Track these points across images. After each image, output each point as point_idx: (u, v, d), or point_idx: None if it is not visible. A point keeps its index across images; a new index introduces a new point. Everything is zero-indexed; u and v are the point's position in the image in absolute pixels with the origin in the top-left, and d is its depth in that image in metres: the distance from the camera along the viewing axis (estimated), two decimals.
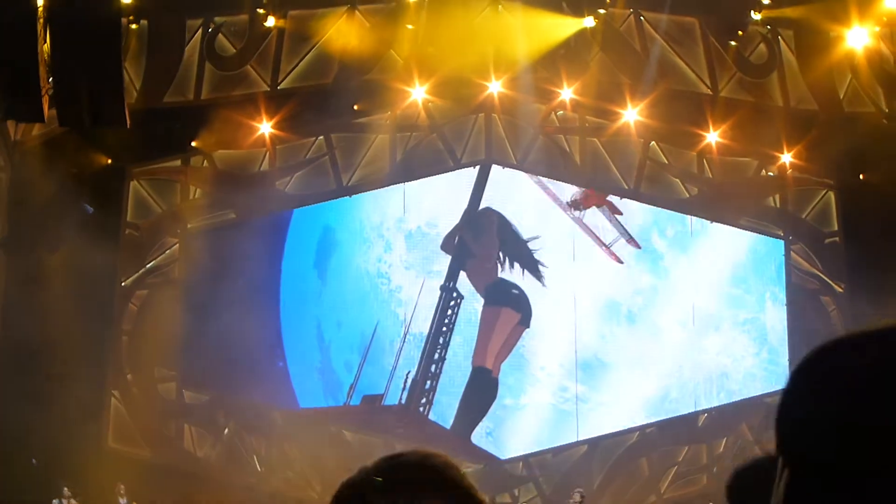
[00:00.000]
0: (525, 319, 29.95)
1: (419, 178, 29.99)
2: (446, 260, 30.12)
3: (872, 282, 27.96)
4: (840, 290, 30.29)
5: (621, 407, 29.84)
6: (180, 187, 29.37)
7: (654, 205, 30.52)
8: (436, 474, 2.20)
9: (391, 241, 30.34)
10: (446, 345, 29.73)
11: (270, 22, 27.76)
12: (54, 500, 25.25)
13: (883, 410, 1.27)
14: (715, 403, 30.21)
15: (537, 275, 29.90)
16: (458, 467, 2.23)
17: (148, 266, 28.84)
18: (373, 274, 30.29)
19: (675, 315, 30.33)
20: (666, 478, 29.74)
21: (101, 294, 27.40)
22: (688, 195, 30.74)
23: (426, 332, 29.84)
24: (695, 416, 30.05)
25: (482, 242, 30.00)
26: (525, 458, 29.61)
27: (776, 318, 30.70)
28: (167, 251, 29.03)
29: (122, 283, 28.49)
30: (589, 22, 28.41)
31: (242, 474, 28.02)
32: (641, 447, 29.80)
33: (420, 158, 29.86)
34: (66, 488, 25.30)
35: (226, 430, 28.72)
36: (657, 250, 30.63)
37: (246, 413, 28.72)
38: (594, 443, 29.82)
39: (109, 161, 27.78)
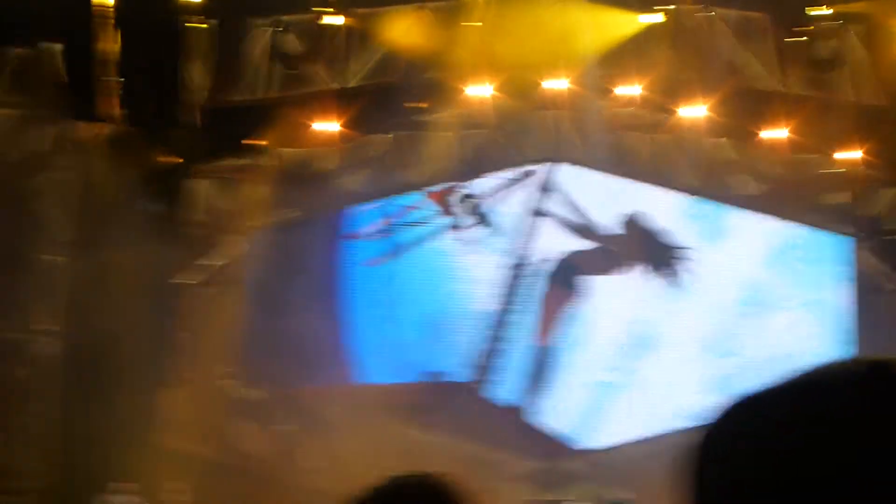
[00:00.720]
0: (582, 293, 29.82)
1: (484, 176, 29.87)
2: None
3: None
4: None
5: (681, 387, 29.63)
6: (245, 185, 29.38)
7: (723, 202, 30.30)
8: (435, 495, 2.22)
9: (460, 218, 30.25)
10: (514, 323, 29.61)
11: (338, 20, 27.77)
12: (114, 496, 25.34)
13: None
14: None
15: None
16: (457, 487, 2.25)
17: (211, 264, 28.86)
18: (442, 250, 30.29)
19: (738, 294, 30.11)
20: None
21: (164, 292, 27.54)
22: (757, 192, 30.55)
23: (496, 309, 29.76)
24: None
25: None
26: (584, 454, 29.47)
27: (842, 312, 30.40)
28: (231, 249, 29.04)
29: (185, 281, 28.49)
30: (658, 17, 28.27)
31: (302, 474, 28.04)
32: None
33: (485, 156, 29.76)
34: (125, 485, 25.41)
35: (286, 429, 28.75)
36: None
37: (307, 411, 28.74)
38: (656, 440, 29.69)
39: (175, 159, 27.79)
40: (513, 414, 29.25)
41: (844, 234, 30.71)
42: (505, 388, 29.42)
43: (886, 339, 29.45)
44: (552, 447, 29.21)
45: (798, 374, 1.31)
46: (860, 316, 30.21)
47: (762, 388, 1.32)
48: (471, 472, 28.38)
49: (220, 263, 28.96)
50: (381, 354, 29.66)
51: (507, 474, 28.99)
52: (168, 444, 27.82)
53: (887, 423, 1.19)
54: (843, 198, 30.93)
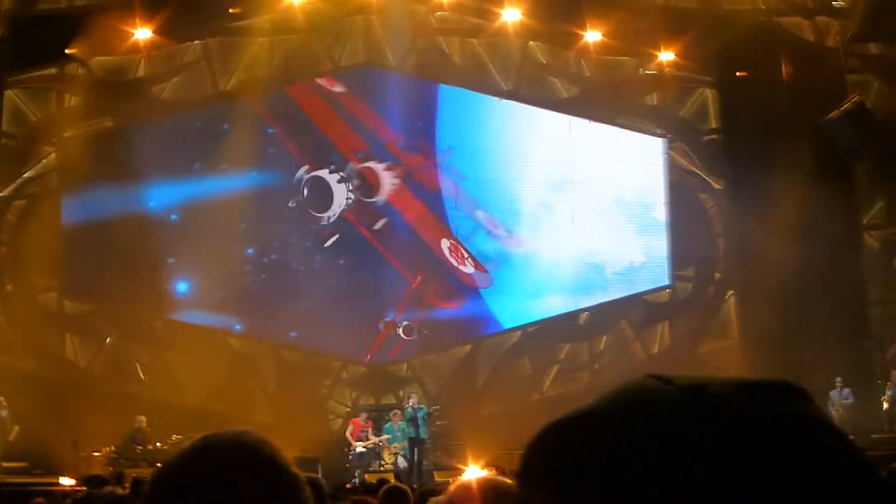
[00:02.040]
0: None
1: (297, 82, 29.76)
2: None
3: (750, 179, 28.37)
4: (719, 187, 30.63)
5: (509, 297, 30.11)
6: (56, 95, 28.94)
7: (534, 105, 30.54)
8: (249, 453, 2.25)
9: None
10: None
11: None
12: None
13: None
14: (595, 301, 30.49)
15: None
16: (271, 443, 2.29)
17: (25, 176, 28.44)
18: None
19: (558, 213, 30.49)
20: (548, 376, 30.11)
21: None
22: (567, 95, 30.83)
23: None
24: (576, 314, 30.36)
25: None
26: (409, 360, 29.77)
27: (655, 216, 30.95)
28: (44, 160, 28.63)
29: (0, 194, 28.10)
30: None
31: (125, 383, 27.90)
32: (523, 346, 30.10)
33: (299, 62, 29.63)
34: None
35: (108, 340, 28.56)
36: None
37: (128, 322, 28.59)
38: (477, 343, 30.09)
39: None
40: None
41: (654, 134, 31.17)
42: None
43: (693, 232, 30.17)
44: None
45: (611, 396, 1.25)
46: (670, 212, 30.78)
47: (573, 414, 1.25)
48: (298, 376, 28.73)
49: (33, 174, 28.57)
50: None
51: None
52: None
53: (702, 451, 1.16)
54: (653, 99, 31.37)
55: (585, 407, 1.27)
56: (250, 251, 29.42)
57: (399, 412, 26.79)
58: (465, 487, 3.44)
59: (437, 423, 26.82)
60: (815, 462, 1.18)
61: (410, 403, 26.35)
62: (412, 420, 25.90)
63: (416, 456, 25.77)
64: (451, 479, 17.27)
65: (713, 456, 1.16)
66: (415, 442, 25.84)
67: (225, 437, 2.26)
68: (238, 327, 29.26)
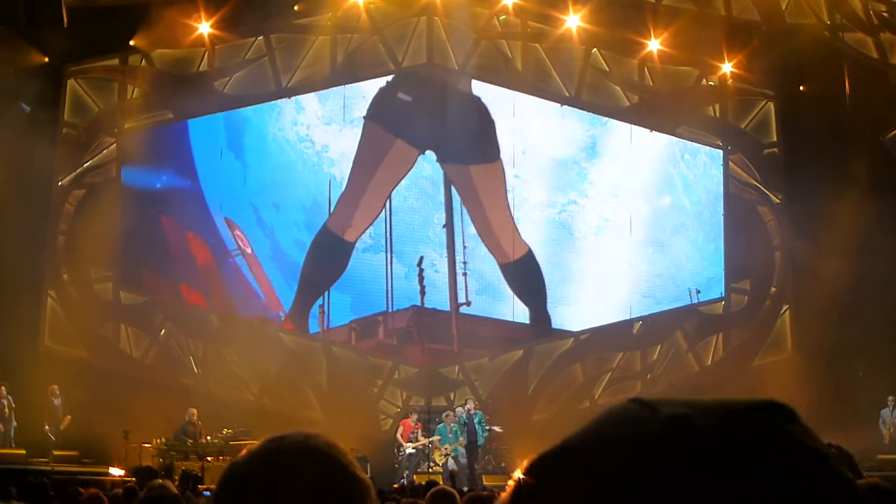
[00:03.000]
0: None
1: (360, 81, 29.77)
2: (365, 105, 29.88)
3: (809, 192, 28.27)
4: (777, 200, 30.54)
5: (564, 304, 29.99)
6: (118, 87, 29.07)
7: (595, 112, 30.53)
8: (319, 457, 2.22)
9: (300, 100, 29.92)
10: None
11: None
12: None
13: None
14: (649, 311, 30.41)
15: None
16: (340, 447, 2.25)
17: (85, 165, 28.59)
18: (292, 140, 29.88)
19: (614, 224, 30.42)
20: (600, 383, 30.03)
21: (38, 194, 27.14)
22: (628, 103, 30.77)
23: None
24: (630, 323, 30.28)
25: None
26: (461, 363, 29.75)
27: (713, 228, 30.90)
28: (104, 151, 28.77)
29: (59, 183, 28.22)
30: None
31: (178, 376, 28.05)
32: (576, 353, 30.03)
33: (361, 61, 29.66)
34: (1, 387, 25.23)
35: (162, 332, 28.68)
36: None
37: (183, 315, 28.71)
38: (529, 348, 30.02)
39: (46, 60, 27.36)
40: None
41: (714, 146, 31.12)
42: None
43: (750, 245, 30.07)
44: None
45: (596, 426, 1.25)
46: (728, 224, 30.73)
47: (559, 446, 1.25)
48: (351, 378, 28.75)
49: (93, 164, 28.71)
50: (269, 265, 29.49)
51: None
52: (45, 347, 27.74)
53: (682, 485, 1.16)
54: (714, 111, 31.30)
55: (571, 437, 1.27)
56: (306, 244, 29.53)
57: (452, 413, 26.80)
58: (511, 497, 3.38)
59: (495, 429, 26.70)
60: (797, 489, 1.19)
61: (467, 408, 26.33)
62: (468, 425, 25.89)
63: (471, 461, 25.76)
64: (502, 485, 17.30)
65: (694, 490, 1.17)
66: (472, 447, 25.81)
67: (294, 439, 2.22)
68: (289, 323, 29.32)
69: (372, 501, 2.20)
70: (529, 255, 29.73)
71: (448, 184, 29.65)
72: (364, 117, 29.45)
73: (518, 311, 29.87)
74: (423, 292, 29.29)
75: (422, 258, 29.39)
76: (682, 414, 1.22)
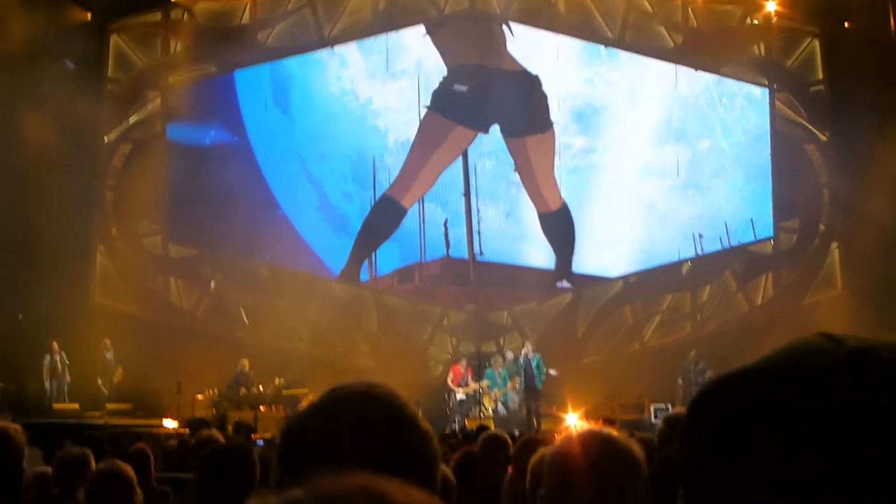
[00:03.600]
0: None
1: (401, 28, 29.69)
2: (410, 56, 29.88)
3: (856, 130, 28.01)
4: (824, 138, 30.32)
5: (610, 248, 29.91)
6: (161, 41, 29.15)
7: (639, 53, 30.32)
8: (381, 407, 2.21)
9: (344, 54, 29.90)
10: None
11: None
12: (46, 356, 25.44)
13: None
14: (698, 252, 30.28)
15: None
16: (402, 397, 2.24)
17: (131, 121, 28.71)
18: (337, 94, 29.90)
19: (653, 167, 30.27)
20: (650, 326, 29.99)
21: (85, 150, 27.21)
22: (672, 44, 30.57)
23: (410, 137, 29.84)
24: (678, 264, 30.18)
25: None
26: (510, 308, 29.78)
27: (760, 167, 30.71)
28: (149, 105, 28.87)
29: (106, 139, 28.37)
30: None
31: (229, 327, 28.21)
32: (625, 295, 29.99)
33: (402, 8, 29.56)
34: (54, 343, 25.45)
35: (212, 284, 28.82)
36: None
37: (232, 267, 28.80)
38: (578, 292, 29.99)
39: (89, 16, 27.45)
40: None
41: (759, 85, 30.89)
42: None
43: (798, 183, 29.88)
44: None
45: (780, 355, 1.23)
46: (775, 163, 30.54)
47: (740, 370, 1.23)
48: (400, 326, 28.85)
49: (139, 119, 28.81)
50: (317, 217, 29.61)
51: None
52: (96, 302, 27.95)
53: (869, 415, 1.13)
54: (759, 49, 31.05)
55: (753, 364, 1.24)
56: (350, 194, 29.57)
57: (500, 358, 26.85)
58: (569, 443, 3.39)
59: (551, 372, 26.62)
60: None
61: (524, 352, 26.32)
62: (526, 369, 25.90)
63: (530, 405, 25.78)
64: (552, 429, 17.29)
65: (879, 419, 1.14)
66: (531, 391, 25.82)
67: (356, 389, 2.21)
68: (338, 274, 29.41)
69: (434, 451, 2.20)
70: (565, 208, 29.73)
71: (465, 158, 29.75)
72: (426, 107, 29.51)
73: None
74: (447, 245, 29.39)
75: (447, 220, 29.43)
76: (868, 347, 1.20)
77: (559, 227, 29.63)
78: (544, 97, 29.82)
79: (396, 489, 1.27)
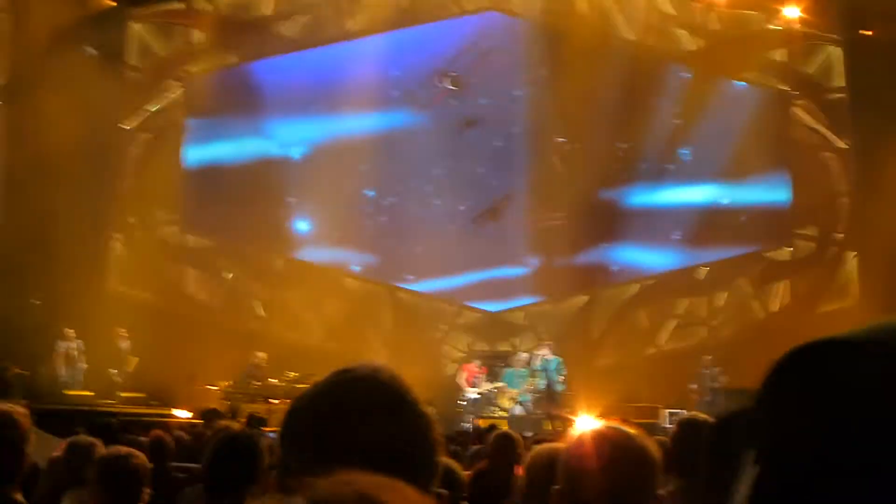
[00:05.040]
0: None
1: (423, 24, 29.65)
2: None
3: (876, 138, 27.90)
4: (843, 145, 30.21)
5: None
6: (182, 30, 29.18)
7: (660, 56, 30.24)
8: (384, 390, 2.22)
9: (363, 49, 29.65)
10: None
11: None
12: (59, 343, 25.48)
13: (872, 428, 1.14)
14: (715, 257, 30.20)
15: None
16: (405, 381, 2.25)
17: (151, 109, 28.74)
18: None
19: (681, 168, 30.22)
20: (665, 330, 29.92)
21: (104, 137, 27.26)
22: (693, 48, 30.51)
23: None
24: (695, 268, 30.11)
25: None
26: (525, 308, 29.75)
27: (778, 173, 30.58)
28: (169, 94, 28.90)
29: (125, 127, 28.41)
30: None
31: (244, 319, 28.24)
32: (641, 299, 29.95)
33: (425, 3, 29.55)
34: (68, 330, 25.49)
35: (229, 276, 28.85)
36: None
37: (248, 258, 28.85)
38: (594, 294, 29.96)
39: (111, 3, 27.49)
40: None
41: (779, 90, 30.79)
42: None
43: (816, 191, 29.81)
44: None
45: (875, 327, 1.20)
46: (793, 169, 30.43)
47: (829, 338, 1.20)
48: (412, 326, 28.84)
49: (159, 108, 28.85)
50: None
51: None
52: (111, 290, 27.99)
53: None
54: (780, 55, 30.95)
55: (844, 333, 1.21)
56: (371, 193, 29.47)
57: (520, 358, 26.74)
58: (579, 441, 3.37)
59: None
60: None
61: (542, 354, 26.26)
62: (544, 371, 25.83)
63: (551, 410, 25.65)
64: (560, 429, 17.21)
65: None
66: (551, 394, 25.75)
67: (360, 373, 2.24)
68: (356, 268, 29.40)
69: (436, 435, 2.23)
70: None
71: None
72: None
73: None
74: None
75: None
76: None
77: None
78: None
79: (394, 494, 1.26)
